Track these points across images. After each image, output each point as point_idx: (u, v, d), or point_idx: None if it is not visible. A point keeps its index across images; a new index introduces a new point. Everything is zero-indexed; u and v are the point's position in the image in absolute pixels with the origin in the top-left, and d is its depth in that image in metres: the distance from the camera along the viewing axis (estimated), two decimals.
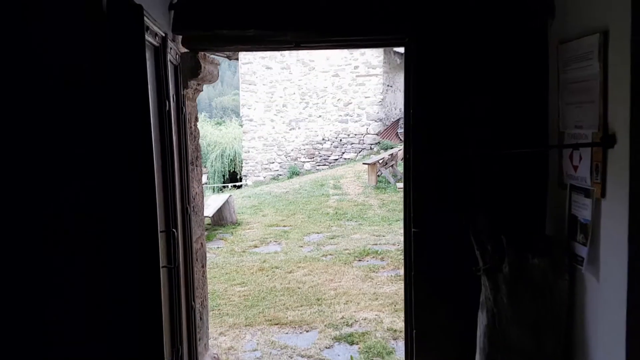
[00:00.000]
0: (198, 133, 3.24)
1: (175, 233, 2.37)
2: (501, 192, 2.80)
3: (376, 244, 7.64)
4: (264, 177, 18.81)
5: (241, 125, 19.07)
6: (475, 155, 2.73)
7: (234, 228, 9.39)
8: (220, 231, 9.19)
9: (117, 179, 1.89)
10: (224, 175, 25.05)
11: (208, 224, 9.38)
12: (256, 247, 7.93)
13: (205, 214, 8.45)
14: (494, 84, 2.79)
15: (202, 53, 2.95)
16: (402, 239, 8.27)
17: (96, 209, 1.94)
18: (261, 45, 2.89)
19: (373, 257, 7.03)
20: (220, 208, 9.43)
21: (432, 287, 2.82)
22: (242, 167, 19.82)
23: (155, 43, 2.31)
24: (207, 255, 7.75)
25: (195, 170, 3.17)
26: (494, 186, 2.79)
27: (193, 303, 3.16)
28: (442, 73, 2.75)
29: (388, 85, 18.42)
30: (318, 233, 8.73)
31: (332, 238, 8.27)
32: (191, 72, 2.86)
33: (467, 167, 2.78)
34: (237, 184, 20.99)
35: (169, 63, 2.45)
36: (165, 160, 2.33)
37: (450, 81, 2.75)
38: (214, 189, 22.68)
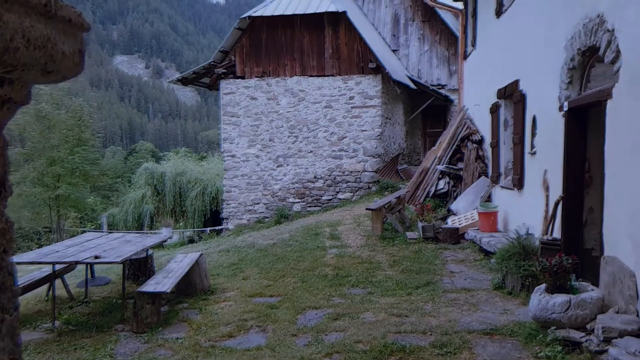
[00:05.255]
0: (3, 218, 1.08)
1: None
2: None
3: (399, 332, 5.46)
4: (248, 220, 16.60)
5: (224, 161, 16.96)
6: None
7: (204, 300, 7.15)
8: (185, 305, 6.94)
9: None
10: (204, 215, 22.87)
11: (172, 292, 7.15)
12: (231, 336, 5.67)
13: (162, 290, 6.27)
14: None
15: None
16: (434, 322, 6.14)
17: None
18: None
19: (400, 358, 4.84)
20: (187, 272, 7.22)
21: None
22: (222, 208, 17.61)
23: None
24: (162, 351, 5.53)
25: None
26: None
27: None
28: None
29: (387, 118, 16.52)
30: (316, 309, 6.53)
31: (335, 319, 6.07)
32: None
33: None
34: (217, 228, 18.75)
35: None
36: None
37: None
38: (193, 234, 20.39)
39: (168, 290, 6.11)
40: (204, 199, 23.02)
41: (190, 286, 7.38)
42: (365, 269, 8.31)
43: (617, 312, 4.56)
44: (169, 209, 23.84)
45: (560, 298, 4.85)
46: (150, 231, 21.64)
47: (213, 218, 22.07)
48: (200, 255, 7.70)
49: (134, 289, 7.14)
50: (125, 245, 7.03)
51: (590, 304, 4.71)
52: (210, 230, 19.26)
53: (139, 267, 8.14)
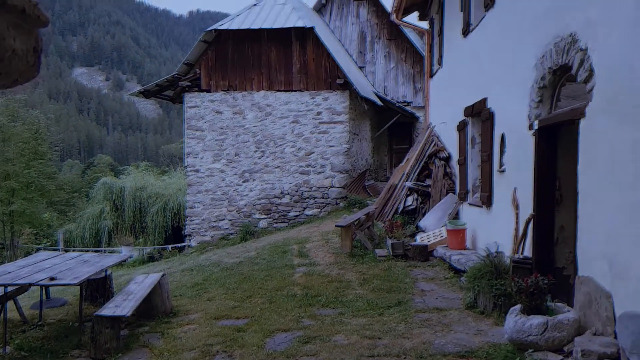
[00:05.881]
0: None
1: None
2: None
3: (373, 356, 5.27)
4: (212, 237, 16.19)
5: (188, 176, 16.52)
6: None
7: (166, 323, 6.80)
8: (146, 329, 6.57)
9: None
10: (166, 231, 22.23)
11: (132, 315, 6.76)
12: None
13: (122, 313, 5.89)
14: None
15: None
16: (408, 345, 5.98)
17: None
18: None
19: None
20: (148, 294, 6.86)
21: None
22: (185, 224, 17.13)
23: None
24: None
25: None
26: None
27: None
28: None
29: (354, 134, 16.47)
30: (285, 331, 6.27)
31: (306, 342, 5.83)
32: None
33: None
34: (180, 245, 18.22)
35: None
36: None
37: None
38: (154, 251, 19.77)
39: (128, 314, 5.74)
40: (166, 214, 22.41)
41: (152, 308, 7.01)
42: (335, 288, 8.11)
43: (595, 334, 4.50)
44: (129, 224, 23.09)
45: (536, 320, 4.77)
46: (109, 249, 20.88)
47: (175, 234, 21.48)
48: (162, 276, 7.34)
49: (92, 311, 6.74)
50: (83, 265, 6.63)
51: (567, 325, 4.64)
52: (172, 248, 18.70)
53: (97, 288, 7.71)
